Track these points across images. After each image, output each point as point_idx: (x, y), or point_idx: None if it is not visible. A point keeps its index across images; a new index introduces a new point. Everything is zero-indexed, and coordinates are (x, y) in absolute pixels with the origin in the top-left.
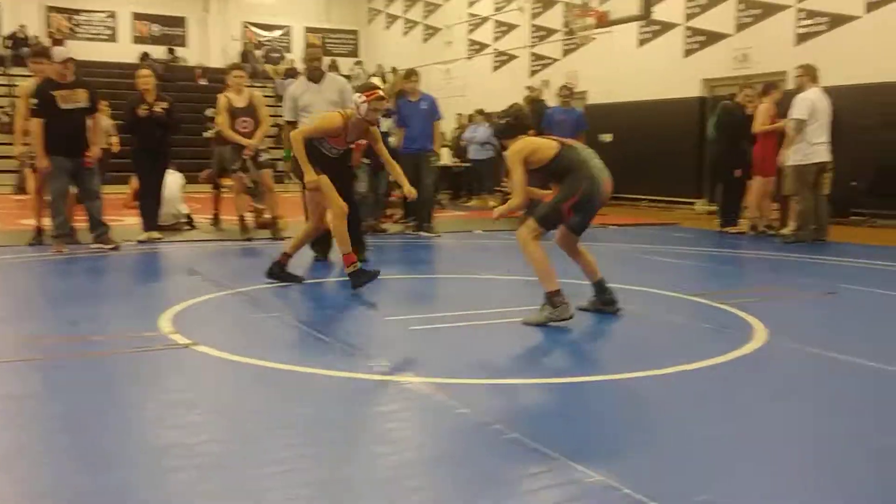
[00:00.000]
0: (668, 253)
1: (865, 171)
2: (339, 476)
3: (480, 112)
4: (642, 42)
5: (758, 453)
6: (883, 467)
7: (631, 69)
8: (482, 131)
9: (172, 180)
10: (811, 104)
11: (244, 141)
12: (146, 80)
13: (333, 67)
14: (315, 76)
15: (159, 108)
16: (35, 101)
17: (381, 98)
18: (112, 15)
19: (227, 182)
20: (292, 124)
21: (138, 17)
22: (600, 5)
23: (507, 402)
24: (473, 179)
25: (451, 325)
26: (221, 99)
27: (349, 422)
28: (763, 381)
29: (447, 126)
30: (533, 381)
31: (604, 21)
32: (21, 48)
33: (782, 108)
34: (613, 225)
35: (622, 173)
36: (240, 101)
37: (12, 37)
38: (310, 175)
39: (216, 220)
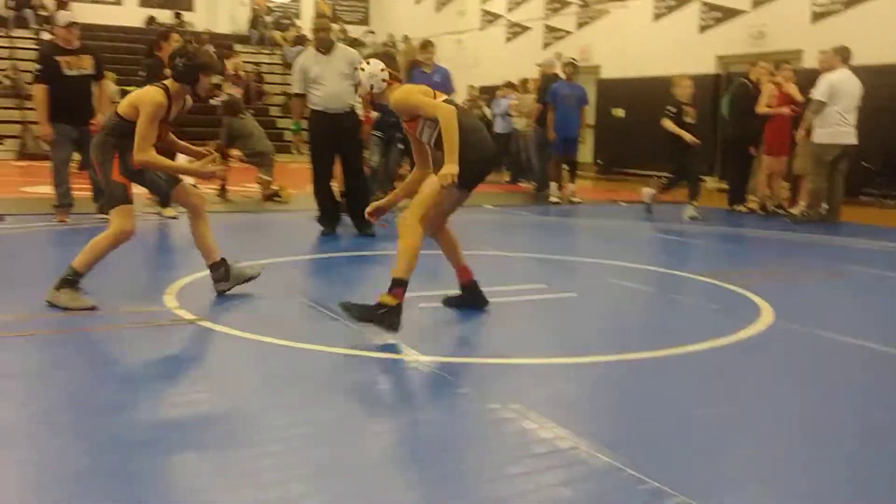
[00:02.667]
0: (675, 231)
1: (876, 151)
2: (336, 455)
3: (509, 84)
4: (657, 16)
5: (762, 434)
6: (886, 447)
7: (645, 44)
8: (504, 102)
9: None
10: (831, 86)
11: None
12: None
13: (343, 36)
14: (325, 46)
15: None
16: (39, 66)
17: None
18: None
19: (235, 153)
20: (300, 97)
21: None
22: None
23: (511, 382)
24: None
25: None
26: None
27: (350, 401)
28: (768, 363)
29: (458, 99)
30: (537, 362)
31: None
32: (24, 9)
33: (806, 87)
34: (623, 202)
35: (634, 149)
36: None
37: None
38: (453, 166)
39: (223, 192)
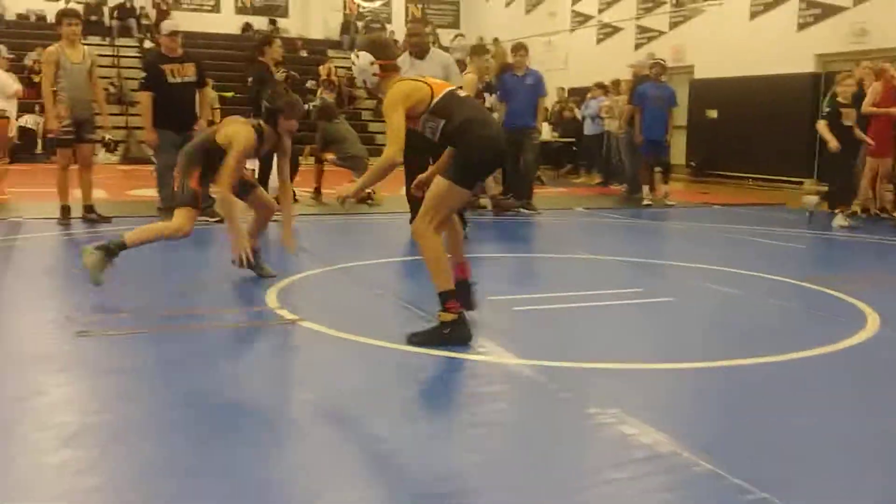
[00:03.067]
0: (774, 235)
1: None
2: (435, 460)
3: (599, 85)
4: (754, 14)
5: (867, 447)
6: None
7: (741, 43)
8: (594, 104)
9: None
10: None
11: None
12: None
13: (435, 40)
14: (419, 53)
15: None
16: (144, 74)
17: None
18: None
19: (329, 157)
20: None
21: None
22: None
23: (611, 386)
24: (584, 155)
25: (554, 307)
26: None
27: (450, 403)
28: (874, 372)
29: (548, 101)
30: (636, 367)
31: None
32: (128, 19)
33: None
34: (717, 205)
35: (728, 150)
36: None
37: (119, 7)
38: (352, 188)
39: (317, 194)
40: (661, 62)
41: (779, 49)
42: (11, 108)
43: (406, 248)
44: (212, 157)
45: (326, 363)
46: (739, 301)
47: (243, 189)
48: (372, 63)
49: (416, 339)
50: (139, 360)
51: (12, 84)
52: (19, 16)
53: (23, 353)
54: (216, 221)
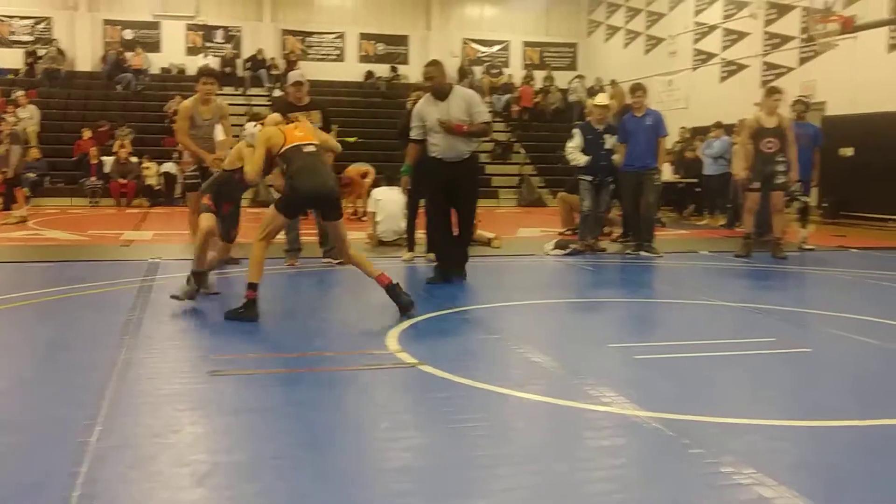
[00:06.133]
0: None
1: None
2: None
3: (718, 125)
4: (892, 47)
5: None
6: None
7: (877, 77)
8: (717, 145)
9: (392, 197)
10: None
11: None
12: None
13: (550, 83)
14: (438, 94)
15: None
16: None
17: None
18: (340, 36)
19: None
20: (416, 142)
21: (365, 36)
22: (844, 9)
23: (744, 443)
24: (706, 196)
25: (678, 356)
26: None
27: (573, 455)
28: None
29: (669, 140)
30: (772, 423)
31: (849, 26)
32: (259, 69)
33: None
34: (854, 248)
35: (865, 190)
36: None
37: (251, 59)
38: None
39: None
40: (804, 99)
41: None
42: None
43: (521, 291)
44: (223, 188)
45: (446, 408)
46: (883, 353)
47: (226, 232)
48: (255, 126)
49: (227, 314)
50: (268, 401)
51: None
52: (163, 69)
53: (158, 390)
54: (338, 264)
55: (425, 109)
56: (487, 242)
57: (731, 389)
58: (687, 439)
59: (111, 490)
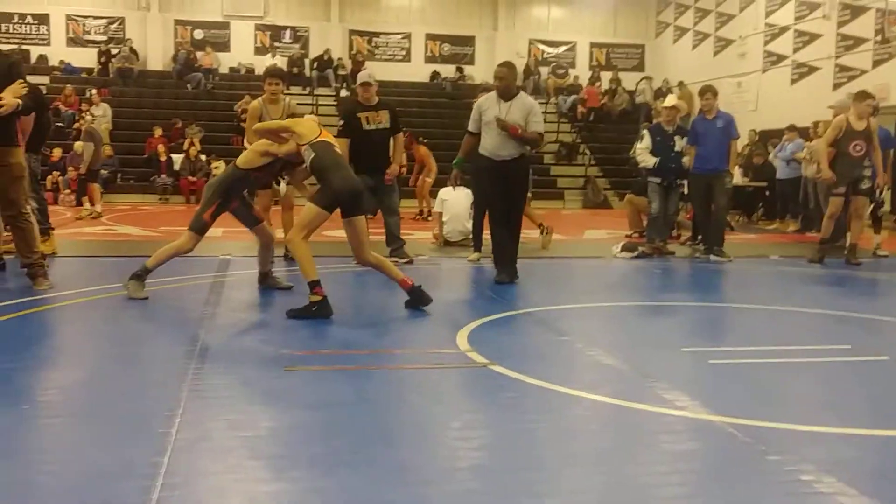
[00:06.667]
0: None
1: None
2: None
3: (792, 128)
4: None
5: None
6: None
7: None
8: (790, 147)
9: (459, 196)
10: None
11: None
12: None
13: (617, 85)
14: (505, 95)
15: None
16: (341, 121)
17: None
18: (407, 37)
19: None
20: (472, 135)
21: (431, 37)
22: None
23: (823, 451)
24: (778, 200)
25: (754, 361)
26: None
27: (645, 458)
28: None
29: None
30: (852, 431)
31: None
32: (325, 70)
33: None
34: None
35: None
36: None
37: (318, 59)
38: None
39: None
40: (874, 102)
41: None
42: None
43: (589, 294)
44: (236, 186)
45: (516, 408)
46: None
47: (250, 220)
48: None
49: (292, 313)
50: (341, 397)
51: None
52: (231, 69)
53: (235, 384)
54: (406, 262)
55: (486, 104)
56: (541, 229)
57: (807, 396)
58: (763, 446)
59: (192, 482)
